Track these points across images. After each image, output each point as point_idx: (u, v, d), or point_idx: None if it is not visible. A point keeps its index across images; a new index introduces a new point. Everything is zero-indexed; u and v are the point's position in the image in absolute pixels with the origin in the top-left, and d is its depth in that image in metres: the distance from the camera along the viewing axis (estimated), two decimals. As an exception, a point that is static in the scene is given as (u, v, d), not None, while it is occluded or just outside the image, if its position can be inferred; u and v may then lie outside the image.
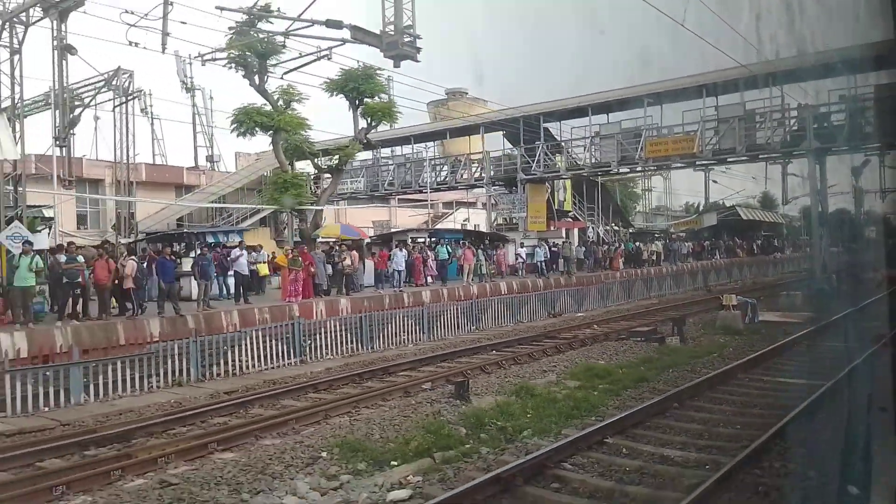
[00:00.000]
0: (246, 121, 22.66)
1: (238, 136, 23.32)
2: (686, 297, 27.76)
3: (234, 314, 15.87)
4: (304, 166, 28.30)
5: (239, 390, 11.44)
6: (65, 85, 18.17)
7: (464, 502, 5.95)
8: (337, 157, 25.61)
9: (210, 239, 20.11)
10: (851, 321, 9.51)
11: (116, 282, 14.49)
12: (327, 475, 7.02)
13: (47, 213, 21.15)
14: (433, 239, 28.00)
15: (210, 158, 45.15)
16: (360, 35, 10.70)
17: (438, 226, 45.02)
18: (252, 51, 22.10)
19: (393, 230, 35.46)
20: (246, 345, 13.01)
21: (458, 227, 45.02)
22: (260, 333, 13.26)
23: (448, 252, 25.59)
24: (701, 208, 58.05)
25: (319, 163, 26.17)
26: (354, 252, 21.46)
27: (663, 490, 6.15)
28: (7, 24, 15.25)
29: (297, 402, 10.54)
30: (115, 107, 21.31)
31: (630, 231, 44.48)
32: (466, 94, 60.37)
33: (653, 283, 28.98)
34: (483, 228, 38.76)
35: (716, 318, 17.52)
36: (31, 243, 14.03)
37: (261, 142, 42.53)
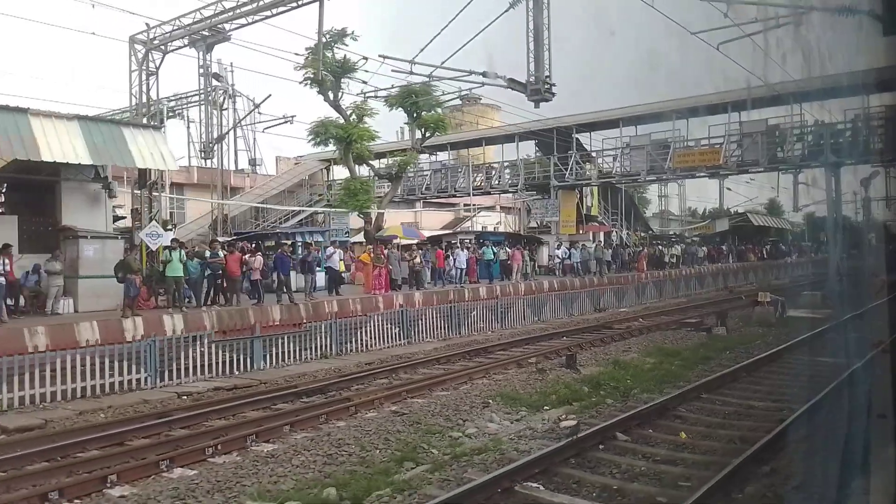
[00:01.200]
0: (322, 132, 25.26)
1: (315, 145, 25.98)
2: (711, 296, 30.37)
3: (334, 303, 18.39)
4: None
5: (375, 362, 14.02)
6: (166, 97, 20.79)
7: (617, 429, 8.49)
8: (397, 164, 28.25)
9: (299, 239, 22.66)
10: (866, 318, 11.95)
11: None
12: (505, 412, 9.61)
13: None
14: (480, 241, 30.54)
15: (252, 162, 47.62)
16: (513, 84, 13.29)
17: (458, 228, 47.58)
18: (329, 70, 24.70)
19: (443, 232, 38.00)
20: (369, 327, 15.60)
21: (479, 229, 47.58)
22: (379, 318, 15.85)
23: (494, 253, 28.12)
24: (706, 213, 60.83)
25: (379, 170, 28.79)
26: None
27: (761, 422, 8.72)
28: (149, 51, 17.83)
29: (434, 370, 13.11)
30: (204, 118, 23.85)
31: (649, 235, 47.06)
32: (480, 100, 62.91)
33: (680, 283, 31.57)
34: (501, 230, 41.46)
35: (750, 314, 20.13)
36: (178, 240, 16.63)
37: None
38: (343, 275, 24.19)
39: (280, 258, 18.15)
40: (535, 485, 6.61)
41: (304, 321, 15.31)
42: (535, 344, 16.34)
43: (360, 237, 29.63)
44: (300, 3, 14.78)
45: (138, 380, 11.41)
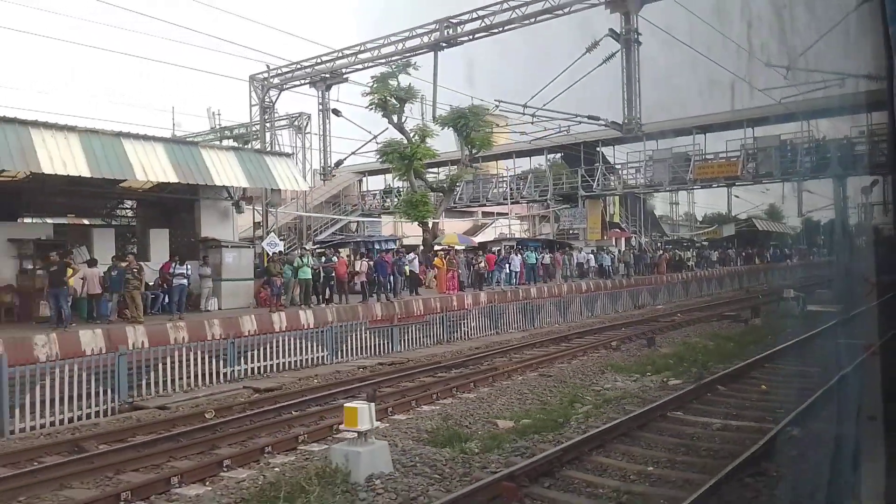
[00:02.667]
0: (390, 151, 28.43)
1: (382, 162, 29.14)
2: (732, 295, 33.60)
3: (420, 302, 21.51)
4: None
5: (482, 346, 17.09)
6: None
7: (717, 384, 11.58)
8: (449, 179, 31.48)
9: (375, 246, 25.79)
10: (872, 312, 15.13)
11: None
12: (621, 377, 12.75)
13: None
14: (522, 247, 33.71)
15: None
16: (613, 125, 16.47)
17: (478, 234, 50.82)
18: (394, 97, 27.91)
19: (488, 239, 41.28)
20: (469, 319, 18.73)
21: (497, 235, 50.77)
22: (477, 312, 18.98)
23: (537, 258, 31.27)
24: (705, 218, 64.36)
25: (432, 183, 31.95)
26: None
27: (816, 381, 11.86)
28: (266, 89, 20.95)
29: (538, 351, 16.20)
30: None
31: (664, 240, 50.35)
32: (488, 111, 66.25)
33: (702, 284, 34.83)
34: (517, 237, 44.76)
35: (776, 308, 23.36)
36: (306, 248, 19.70)
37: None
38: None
39: (379, 263, 21.26)
40: (678, 413, 9.75)
41: (423, 314, 18.40)
42: (603, 333, 19.43)
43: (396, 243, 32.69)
44: (415, 53, 17.88)
45: (322, 357, 14.50)
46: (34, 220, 18.76)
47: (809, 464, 6.94)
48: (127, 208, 23.93)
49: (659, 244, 47.07)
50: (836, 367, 13.60)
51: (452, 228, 50.89)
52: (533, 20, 16.85)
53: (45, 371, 10.05)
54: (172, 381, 11.87)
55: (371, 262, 21.13)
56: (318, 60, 18.76)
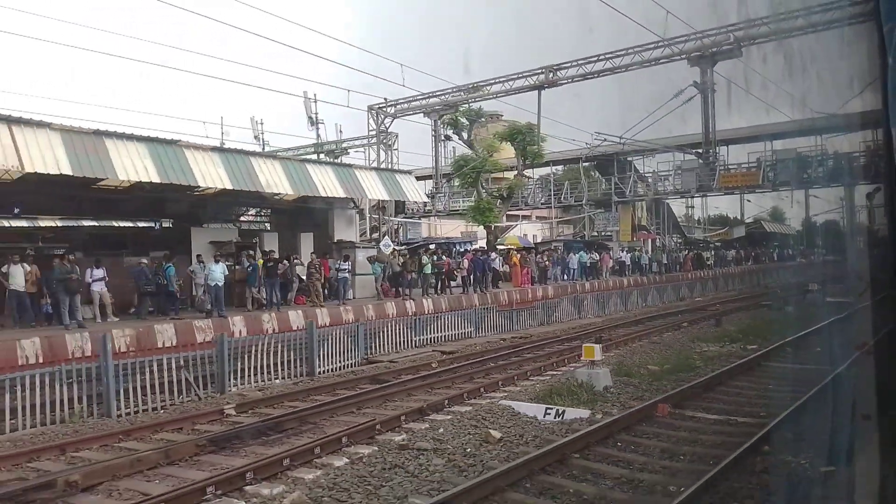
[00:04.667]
0: (463, 164, 32.75)
1: (455, 174, 33.41)
2: (753, 290, 38.02)
3: (506, 293, 25.79)
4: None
5: (577, 327, 21.32)
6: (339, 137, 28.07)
7: (785, 347, 15.88)
8: (508, 188, 35.78)
9: (460, 248, 30.07)
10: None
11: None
12: (710, 345, 17.05)
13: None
14: (569, 247, 38.02)
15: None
16: (694, 153, 20.71)
17: (506, 235, 55.08)
18: (465, 117, 32.28)
19: (545, 240, 45.72)
20: (562, 306, 23.03)
21: (521, 236, 55.01)
22: (566, 301, 23.30)
23: (585, 256, 35.58)
24: (709, 219, 69.26)
25: (492, 191, 36.23)
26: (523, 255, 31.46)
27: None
28: (382, 118, 25.22)
29: (625, 330, 20.44)
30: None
31: (684, 241, 54.77)
32: (501, 116, 70.67)
33: (728, 280, 39.26)
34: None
35: (802, 298, 27.72)
36: (428, 248, 23.91)
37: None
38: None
39: (476, 261, 25.55)
40: (767, 363, 14.08)
41: (532, 301, 22.69)
42: (668, 318, 23.68)
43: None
44: (521, 91, 22.17)
45: (469, 332, 18.79)
46: (223, 226, 22.90)
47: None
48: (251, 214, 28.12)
49: (681, 245, 51.53)
50: (862, 335, 17.78)
51: (483, 230, 55.35)
52: (624, 69, 21.14)
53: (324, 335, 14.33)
54: (383, 345, 16.15)
55: (470, 261, 25.44)
56: (432, 94, 22.96)
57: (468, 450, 8.18)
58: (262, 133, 47.28)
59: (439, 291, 23.99)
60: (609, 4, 16.05)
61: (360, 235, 27.59)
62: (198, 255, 17.18)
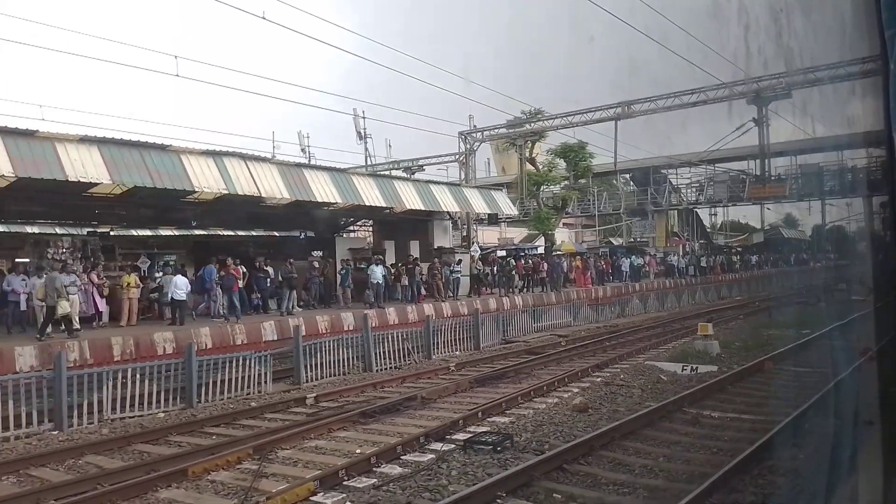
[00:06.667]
0: (527, 178, 36.96)
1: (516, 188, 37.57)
2: (784, 290, 42.05)
3: (573, 292, 29.90)
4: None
5: (650, 320, 25.36)
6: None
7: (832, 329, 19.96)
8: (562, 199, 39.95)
9: (522, 252, 34.22)
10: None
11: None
12: (771, 330, 21.13)
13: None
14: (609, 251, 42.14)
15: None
16: (751, 177, 24.90)
17: (535, 242, 59.23)
18: (525, 137, 36.47)
19: (594, 246, 49.87)
20: (633, 302, 27.13)
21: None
22: (636, 297, 27.40)
23: (632, 260, 39.69)
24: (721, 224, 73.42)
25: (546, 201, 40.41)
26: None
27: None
28: (471, 142, 29.43)
29: (696, 321, 24.46)
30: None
31: (710, 246, 58.80)
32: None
33: (759, 283, 43.34)
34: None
35: (831, 296, 31.78)
36: (514, 253, 28.07)
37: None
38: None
39: (553, 263, 29.72)
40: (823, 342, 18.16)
41: (611, 297, 26.82)
42: (721, 312, 27.69)
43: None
44: (600, 121, 26.36)
45: (569, 321, 22.91)
46: (354, 235, 27.11)
47: None
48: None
49: (708, 250, 55.61)
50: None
51: (511, 236, 59.54)
52: (691, 105, 25.28)
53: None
54: (512, 330, 20.29)
55: (548, 264, 29.61)
56: (518, 121, 27.00)
57: (648, 386, 12.29)
58: (309, 146, 52.01)
59: (523, 290, 28.14)
60: (680, 55, 20.14)
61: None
62: (376, 257, 21.53)
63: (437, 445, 8.27)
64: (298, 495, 6.43)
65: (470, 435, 8.48)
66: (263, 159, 18.51)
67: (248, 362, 12.05)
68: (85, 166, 13.81)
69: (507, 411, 10.22)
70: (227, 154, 17.10)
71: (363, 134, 54.35)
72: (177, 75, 22.72)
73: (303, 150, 51.02)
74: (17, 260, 16.68)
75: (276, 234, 24.10)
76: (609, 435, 8.41)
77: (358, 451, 8.14)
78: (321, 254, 22.30)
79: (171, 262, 18.97)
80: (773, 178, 43.83)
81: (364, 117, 48.95)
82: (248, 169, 17.27)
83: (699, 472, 7.18)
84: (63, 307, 11.69)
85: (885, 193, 2.18)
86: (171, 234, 22.60)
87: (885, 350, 3.17)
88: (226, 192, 16.39)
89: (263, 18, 18.18)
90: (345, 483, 6.93)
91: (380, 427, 9.47)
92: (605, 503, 6.39)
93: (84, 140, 14.18)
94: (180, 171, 15.52)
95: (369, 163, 57.08)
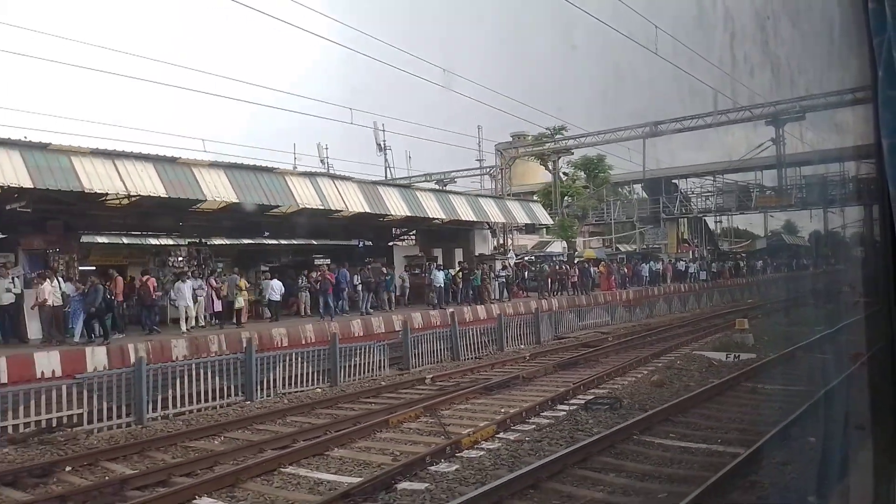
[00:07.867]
0: (551, 190, 39.49)
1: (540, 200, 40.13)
2: (792, 293, 44.53)
3: (600, 296, 32.29)
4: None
5: (677, 320, 27.77)
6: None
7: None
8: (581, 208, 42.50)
9: (552, 259, 36.68)
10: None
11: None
12: (789, 327, 23.59)
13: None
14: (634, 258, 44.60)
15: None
16: (770, 189, 27.42)
17: (546, 249, 61.60)
18: (551, 152, 39.00)
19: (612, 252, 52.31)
20: (659, 304, 29.60)
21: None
22: (662, 299, 29.87)
23: (651, 265, 42.13)
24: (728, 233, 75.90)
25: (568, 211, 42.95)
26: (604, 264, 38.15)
27: None
28: (508, 157, 31.94)
29: (724, 320, 26.89)
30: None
31: (716, 252, 61.34)
32: (529, 136, 77.64)
33: (769, 287, 45.87)
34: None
35: (839, 297, 34.28)
36: (542, 258, 30.53)
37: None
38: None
39: (583, 269, 32.17)
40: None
41: (639, 299, 29.29)
42: (741, 312, 30.10)
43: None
44: (629, 139, 28.89)
45: (606, 320, 25.32)
46: (407, 243, 29.50)
47: None
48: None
49: (717, 256, 58.15)
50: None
51: (522, 242, 61.96)
52: (715, 125, 27.84)
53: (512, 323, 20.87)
54: (560, 328, 22.70)
55: (578, 269, 32.07)
56: (544, 137, 29.60)
57: (703, 368, 14.71)
58: (328, 157, 54.46)
59: (556, 293, 30.55)
60: (701, 80, 22.63)
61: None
62: (436, 264, 23.96)
63: (564, 407, 10.68)
64: (488, 433, 8.84)
65: (587, 399, 10.90)
66: (346, 178, 20.95)
67: (371, 350, 14.47)
68: (217, 188, 16.25)
69: (600, 386, 12.63)
70: (319, 174, 19.57)
71: (383, 146, 56.93)
72: (203, 91, 25.09)
73: (322, 161, 53.49)
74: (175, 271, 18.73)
75: (340, 243, 26.51)
76: (693, 400, 10.84)
77: (503, 410, 10.54)
78: (384, 261, 24.68)
79: (266, 270, 21.32)
80: (786, 189, 46.61)
81: (384, 130, 51.62)
82: (336, 187, 19.71)
83: (772, 420, 9.61)
84: (239, 302, 14.11)
85: (877, 202, 2.23)
86: (262, 242, 25.00)
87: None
88: (321, 207, 18.81)
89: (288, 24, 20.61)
90: (512, 427, 9.35)
91: (504, 397, 11.87)
92: (709, 439, 8.83)
93: (213, 165, 16.64)
94: (286, 189, 17.96)
95: (389, 175, 59.70)
